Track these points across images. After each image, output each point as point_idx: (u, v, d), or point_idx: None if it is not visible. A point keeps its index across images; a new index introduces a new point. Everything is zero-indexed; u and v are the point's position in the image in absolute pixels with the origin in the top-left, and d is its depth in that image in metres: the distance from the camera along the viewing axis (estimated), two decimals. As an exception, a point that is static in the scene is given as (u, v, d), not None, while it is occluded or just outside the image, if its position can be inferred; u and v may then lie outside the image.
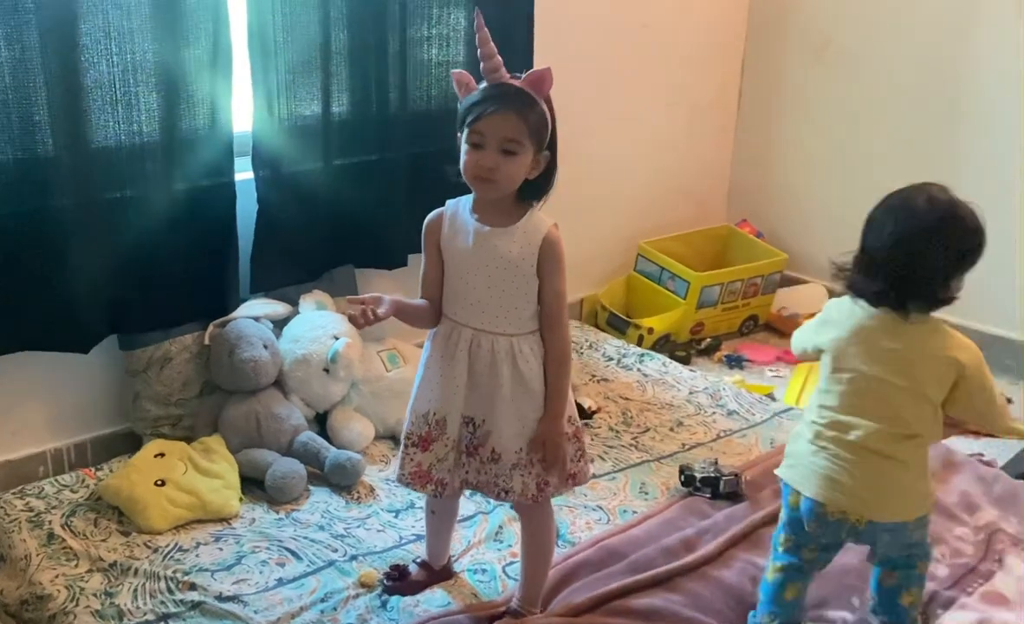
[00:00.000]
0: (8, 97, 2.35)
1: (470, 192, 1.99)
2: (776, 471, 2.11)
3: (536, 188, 1.97)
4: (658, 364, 3.43)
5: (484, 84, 1.93)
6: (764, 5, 4.08)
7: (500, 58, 1.93)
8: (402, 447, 2.07)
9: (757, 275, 3.87)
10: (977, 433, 3.00)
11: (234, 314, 2.78)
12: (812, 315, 3.85)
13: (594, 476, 2.72)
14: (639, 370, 3.39)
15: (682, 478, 2.66)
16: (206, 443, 2.66)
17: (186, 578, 2.24)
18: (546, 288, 1.96)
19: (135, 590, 2.21)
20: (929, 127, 3.65)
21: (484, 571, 2.33)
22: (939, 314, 1.94)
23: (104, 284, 2.59)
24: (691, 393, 3.25)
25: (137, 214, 2.59)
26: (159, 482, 2.49)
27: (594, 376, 3.34)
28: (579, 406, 3.00)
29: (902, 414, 1.92)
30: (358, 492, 2.63)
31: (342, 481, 2.63)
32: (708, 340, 3.78)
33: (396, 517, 2.54)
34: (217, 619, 2.13)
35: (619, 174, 3.89)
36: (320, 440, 2.72)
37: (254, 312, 2.81)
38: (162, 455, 2.58)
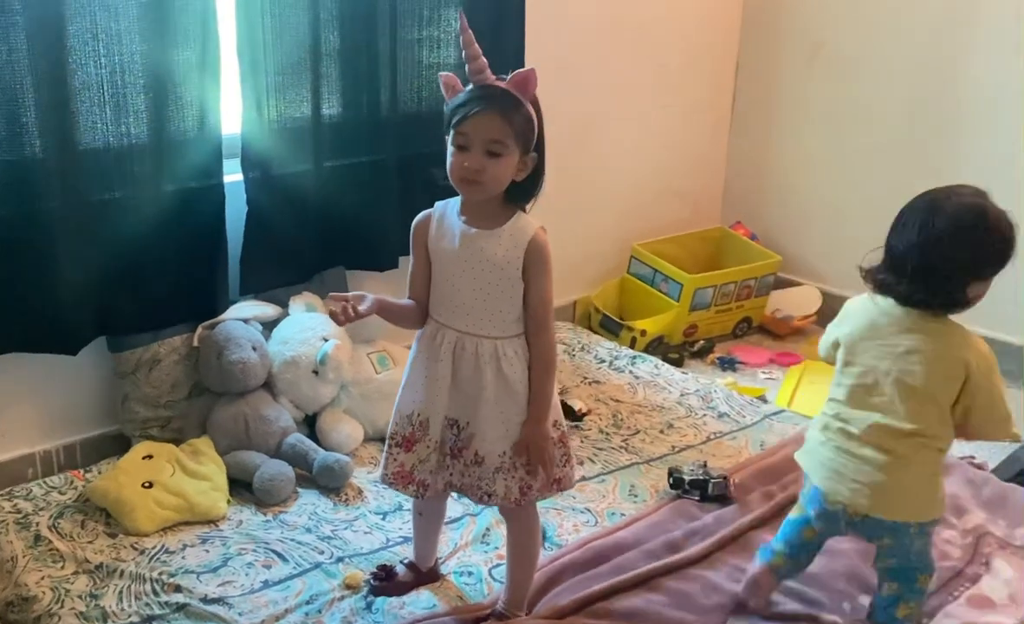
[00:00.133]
0: (-5, 99, 2.35)
1: (458, 194, 1.99)
2: (795, 454, 2.18)
3: (524, 190, 1.97)
4: (650, 366, 3.42)
5: (470, 86, 1.93)
6: (758, 6, 4.08)
7: (485, 59, 1.93)
8: (386, 447, 2.08)
9: (751, 277, 3.87)
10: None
11: (223, 316, 2.78)
12: (806, 317, 3.94)
13: (583, 478, 2.73)
14: (631, 372, 3.38)
15: (671, 481, 2.66)
16: (194, 445, 2.65)
17: (171, 580, 2.24)
18: (532, 291, 1.96)
19: (120, 592, 2.21)
20: (924, 129, 3.65)
21: (470, 573, 2.33)
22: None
23: (92, 286, 2.60)
24: (682, 395, 3.25)
25: (126, 216, 2.59)
26: (147, 484, 2.48)
27: (585, 378, 3.34)
28: (569, 408, 3.04)
29: (906, 411, 1.95)
30: (346, 494, 2.62)
31: (330, 483, 2.63)
32: (701, 342, 3.78)
33: (384, 519, 2.53)
34: (201, 621, 2.13)
35: (612, 176, 3.89)
36: (308, 442, 2.71)
37: (243, 314, 2.80)
38: (150, 457, 2.58)
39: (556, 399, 2.04)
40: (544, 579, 2.25)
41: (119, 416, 2.75)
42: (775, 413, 3.16)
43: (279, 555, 2.36)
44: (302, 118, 2.86)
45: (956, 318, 1.98)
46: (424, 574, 2.29)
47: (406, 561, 2.31)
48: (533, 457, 1.98)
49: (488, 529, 2.46)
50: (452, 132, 1.90)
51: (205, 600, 2.18)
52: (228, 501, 2.54)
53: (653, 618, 2.15)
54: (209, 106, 2.65)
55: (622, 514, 2.57)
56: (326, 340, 2.78)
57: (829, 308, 3.91)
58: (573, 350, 3.52)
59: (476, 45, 1.92)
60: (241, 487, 2.61)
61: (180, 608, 2.16)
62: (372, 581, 2.25)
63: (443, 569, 2.33)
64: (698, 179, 4.22)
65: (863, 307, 2.04)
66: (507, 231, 1.94)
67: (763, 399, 3.34)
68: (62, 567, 2.28)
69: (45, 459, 2.71)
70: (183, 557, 2.34)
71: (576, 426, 3.01)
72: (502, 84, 1.91)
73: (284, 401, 2.79)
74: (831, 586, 2.30)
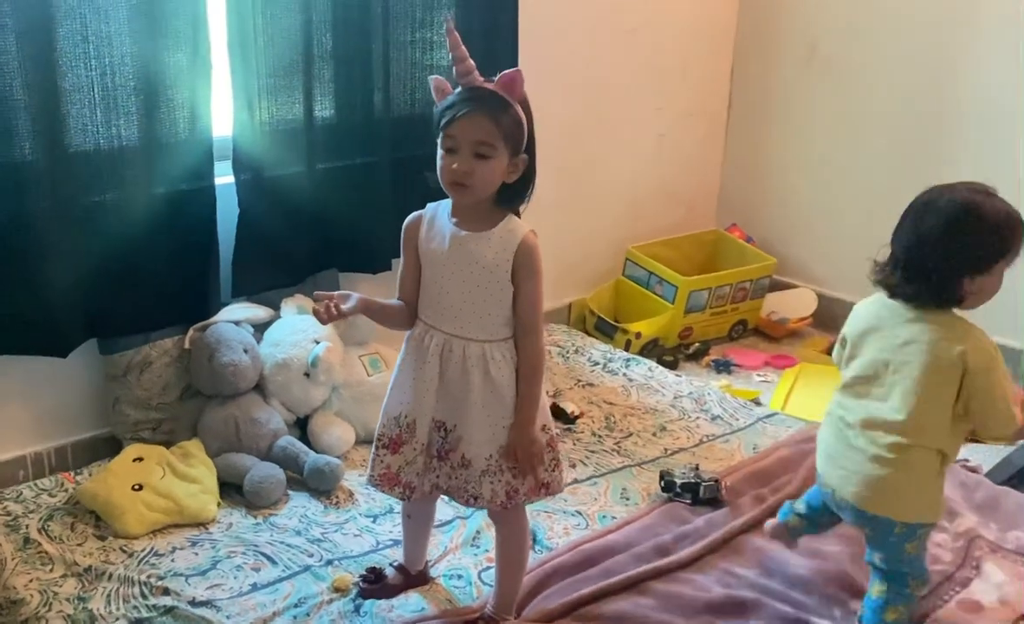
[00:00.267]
0: (-15, 101, 2.35)
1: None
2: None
3: (515, 192, 1.96)
4: (644, 369, 3.42)
5: (458, 89, 1.92)
6: (753, 9, 4.07)
7: (472, 62, 1.92)
8: (373, 448, 2.07)
9: (746, 280, 3.86)
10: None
11: (215, 318, 2.77)
12: (801, 320, 3.93)
13: (575, 481, 2.72)
14: (624, 375, 3.37)
15: (662, 484, 2.65)
16: (185, 448, 2.65)
17: (160, 583, 2.24)
18: (521, 295, 1.95)
19: (108, 595, 2.20)
20: (919, 132, 3.64)
21: (460, 576, 2.33)
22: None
23: (83, 288, 2.59)
24: (676, 398, 3.24)
25: (116, 218, 2.59)
26: (136, 487, 2.48)
27: (579, 381, 3.33)
28: (562, 411, 3.03)
29: (901, 403, 1.96)
30: (337, 497, 2.62)
31: (321, 486, 2.62)
32: (696, 345, 3.77)
33: (374, 522, 2.53)
34: (189, 624, 2.13)
35: (608, 178, 3.89)
36: (299, 444, 2.71)
37: (235, 316, 2.80)
38: (140, 459, 2.58)
39: (545, 403, 2.04)
40: (533, 582, 2.24)
41: (110, 418, 2.75)
42: (768, 416, 3.15)
43: (268, 558, 2.35)
44: (294, 120, 2.86)
45: (972, 315, 1.99)
46: (413, 577, 2.28)
47: (395, 564, 2.30)
48: (521, 461, 1.98)
49: (478, 532, 2.46)
50: (441, 135, 1.90)
51: (193, 603, 2.18)
52: (218, 504, 2.54)
53: (641, 622, 2.15)
54: (200, 108, 2.65)
55: (613, 517, 2.56)
56: (317, 342, 2.78)
57: (825, 311, 3.92)
58: (567, 352, 3.52)
59: (463, 47, 1.92)
60: (232, 489, 2.60)
61: (168, 611, 2.16)
62: (361, 584, 2.25)
63: (433, 572, 2.33)
64: (693, 181, 4.22)
65: (870, 304, 2.08)
66: (497, 234, 1.93)
67: (757, 402, 3.33)
68: (51, 570, 2.28)
69: (36, 461, 2.70)
70: (172, 560, 2.33)
71: (568, 429, 3.01)
72: (489, 86, 1.90)
73: (275, 403, 2.78)
74: (821, 590, 2.29)
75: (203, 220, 2.73)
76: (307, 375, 2.77)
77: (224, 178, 2.79)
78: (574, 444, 2.93)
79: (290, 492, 2.62)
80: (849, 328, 2.10)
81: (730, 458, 2.87)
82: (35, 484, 2.60)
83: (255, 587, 2.25)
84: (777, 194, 4.13)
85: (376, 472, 2.05)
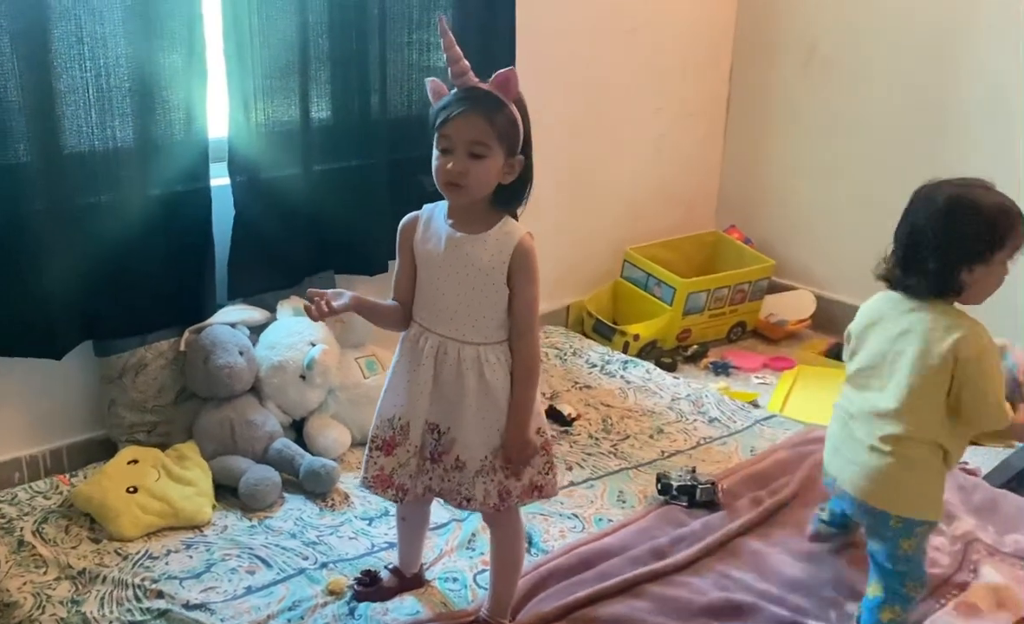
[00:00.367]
0: (-21, 102, 2.34)
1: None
2: None
3: (511, 194, 1.95)
4: (642, 371, 3.41)
5: (453, 89, 1.92)
6: (752, 11, 4.06)
7: (467, 62, 1.92)
8: (367, 450, 2.06)
9: (744, 281, 3.85)
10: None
11: (210, 320, 2.77)
12: (800, 322, 3.92)
13: (571, 484, 2.71)
14: (622, 377, 3.37)
15: (659, 486, 2.64)
16: (180, 450, 2.65)
17: (154, 586, 2.23)
18: (517, 298, 1.94)
19: (102, 598, 2.20)
20: (919, 134, 3.63)
21: (455, 579, 2.32)
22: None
23: (78, 290, 2.58)
24: (673, 400, 3.23)
25: (111, 220, 2.58)
26: (131, 489, 2.47)
27: (576, 383, 3.32)
28: (559, 413, 3.02)
29: (895, 394, 1.99)
30: (333, 499, 2.61)
31: (316, 488, 2.61)
32: (695, 347, 3.76)
33: (369, 525, 2.52)
34: (183, 627, 2.13)
35: (606, 179, 3.88)
36: (295, 447, 2.70)
37: (230, 318, 2.79)
38: (135, 462, 2.57)
39: (539, 406, 2.03)
40: (529, 585, 2.24)
41: (105, 421, 2.74)
42: (766, 418, 3.14)
43: (263, 561, 2.35)
44: (290, 122, 2.85)
45: (975, 313, 2.01)
46: (408, 580, 2.27)
47: (390, 566, 2.30)
48: (515, 464, 1.97)
49: (474, 535, 2.45)
50: (436, 135, 1.89)
51: (187, 606, 2.17)
52: (213, 506, 2.53)
53: (636, 625, 2.14)
54: (196, 110, 2.64)
55: (609, 520, 2.55)
56: (314, 345, 2.77)
57: (823, 313, 3.91)
58: (565, 355, 3.51)
59: (457, 48, 1.91)
60: (227, 492, 2.60)
61: (162, 614, 2.15)
62: (356, 587, 2.24)
63: (428, 575, 2.32)
64: (692, 183, 4.21)
65: (874, 299, 2.11)
66: (493, 236, 1.92)
67: (755, 404, 3.32)
68: (45, 572, 2.27)
69: (32, 464, 2.69)
70: (166, 563, 2.33)
71: (565, 431, 3.00)
72: (484, 86, 1.90)
73: (271, 406, 2.78)
74: (818, 593, 2.29)
75: (199, 222, 2.72)
76: (303, 377, 2.77)
77: (220, 180, 2.78)
78: (571, 446, 2.92)
79: (286, 494, 2.61)
80: (854, 323, 2.15)
81: (727, 460, 2.86)
82: (30, 486, 2.60)
83: (249, 590, 2.24)
84: (776, 195, 4.12)
85: (369, 474, 2.05)
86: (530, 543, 2.41)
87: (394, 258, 2.07)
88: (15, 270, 2.47)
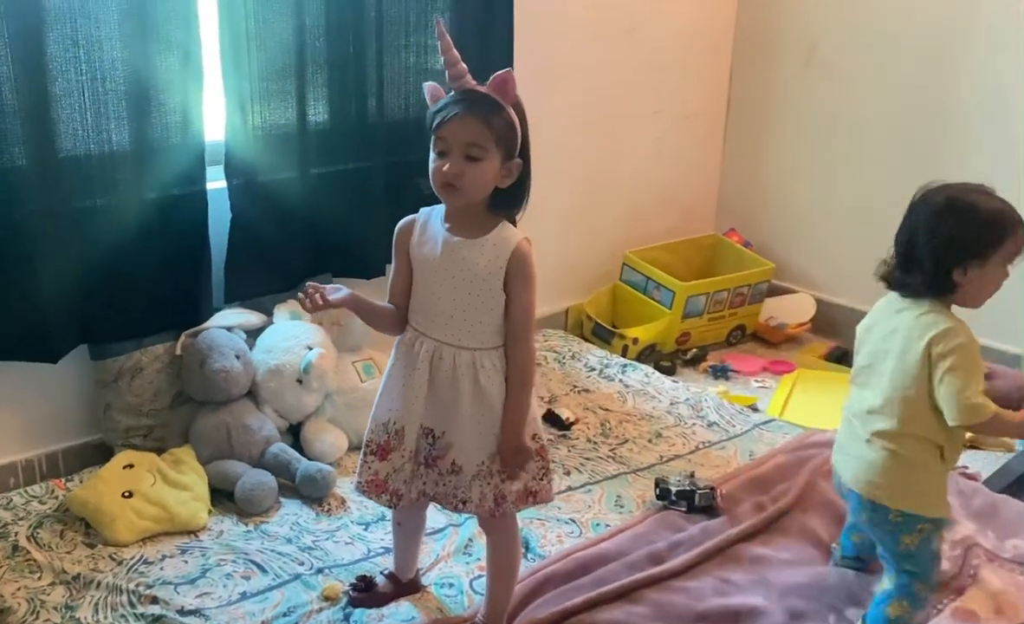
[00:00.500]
0: (-26, 106, 2.33)
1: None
2: None
3: (509, 198, 1.94)
4: (640, 375, 3.39)
5: (451, 92, 1.91)
6: (752, 13, 4.05)
7: (464, 65, 1.91)
8: (361, 454, 2.05)
9: (744, 285, 3.83)
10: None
11: (207, 324, 2.76)
12: (800, 325, 3.91)
13: (569, 488, 2.70)
14: (621, 381, 3.35)
15: (657, 491, 2.63)
16: (176, 454, 2.64)
17: (148, 591, 2.22)
18: (513, 303, 1.92)
19: (96, 603, 2.19)
20: (919, 136, 3.62)
21: (451, 585, 2.31)
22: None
23: (74, 294, 2.57)
24: (672, 404, 3.22)
25: (107, 223, 2.57)
26: (126, 494, 2.46)
27: (575, 386, 3.31)
28: (557, 417, 3.01)
29: (879, 391, 2.04)
30: (329, 504, 2.60)
31: (313, 493, 2.60)
32: (694, 350, 3.75)
33: (366, 529, 2.51)
34: (177, 633, 2.11)
35: (605, 182, 3.87)
36: (291, 451, 2.69)
37: (227, 322, 2.78)
38: (131, 466, 2.56)
39: (535, 412, 2.01)
40: (526, 591, 2.22)
41: (101, 425, 2.73)
42: (765, 422, 3.13)
43: (258, 566, 2.33)
44: (287, 125, 2.84)
45: (973, 318, 2.03)
46: (404, 585, 2.26)
47: (386, 572, 2.29)
48: (511, 470, 1.96)
49: (470, 540, 2.43)
50: (432, 138, 1.88)
51: (182, 612, 2.16)
52: (209, 511, 2.52)
53: (633, 631, 2.13)
54: (192, 113, 2.63)
55: (607, 525, 2.54)
56: (311, 349, 2.76)
57: (823, 316, 3.90)
58: (563, 358, 3.50)
59: (454, 51, 1.90)
60: (223, 497, 2.59)
61: (156, 620, 2.14)
62: (351, 592, 2.23)
63: (424, 580, 2.31)
64: (691, 185, 4.20)
65: (880, 301, 2.13)
66: (491, 241, 1.91)
67: (754, 408, 3.30)
68: (39, 578, 2.26)
69: (27, 468, 2.68)
70: (161, 568, 2.32)
71: (564, 435, 2.99)
72: (482, 88, 1.89)
73: (268, 410, 2.77)
74: (817, 598, 2.27)
75: (195, 225, 2.71)
76: (300, 381, 2.75)
77: (216, 183, 2.77)
78: (569, 450, 2.91)
79: (282, 499, 2.60)
80: (861, 323, 2.17)
81: (726, 465, 2.85)
82: (25, 491, 2.59)
83: (244, 596, 2.23)
84: (776, 198, 4.11)
85: (364, 478, 2.03)
86: (527, 548, 2.40)
87: (391, 261, 2.05)
88: (10, 274, 2.46)
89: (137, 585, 2.24)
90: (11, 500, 2.54)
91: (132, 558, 2.34)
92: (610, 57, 3.73)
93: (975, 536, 2.47)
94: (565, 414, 3.05)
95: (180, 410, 2.75)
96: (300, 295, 1.91)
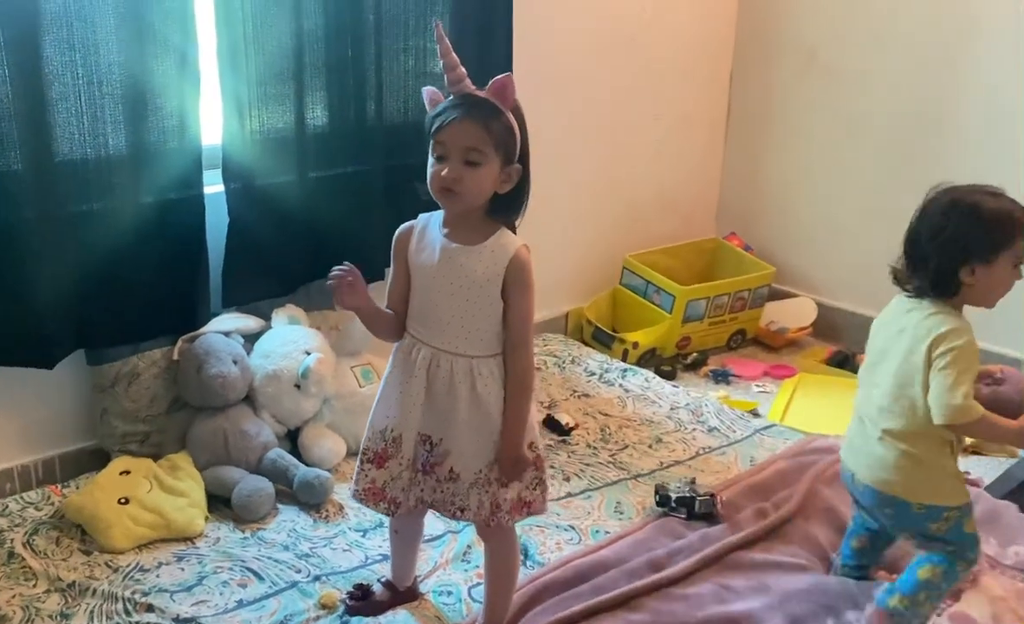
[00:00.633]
0: (-31, 110, 2.32)
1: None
2: None
3: (508, 203, 1.92)
4: (640, 380, 3.38)
5: (450, 96, 1.89)
6: (752, 17, 4.04)
7: (463, 69, 1.89)
8: (358, 462, 2.04)
9: (744, 289, 3.82)
10: (966, 449, 2.97)
11: (204, 329, 2.74)
12: (801, 329, 3.90)
13: (568, 494, 2.69)
14: (621, 385, 3.34)
15: (657, 498, 2.61)
16: (173, 460, 2.62)
17: (144, 599, 2.20)
18: (511, 311, 1.90)
19: (91, 611, 2.17)
20: (920, 140, 3.60)
21: (450, 593, 2.29)
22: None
23: (71, 299, 2.55)
24: (672, 409, 3.20)
25: (104, 228, 2.55)
26: (123, 500, 2.45)
27: (575, 391, 3.29)
28: (557, 422, 2.99)
29: (885, 390, 2.06)
30: (327, 510, 2.58)
31: (310, 499, 2.59)
32: (695, 355, 3.73)
33: (364, 536, 2.49)
34: (172, 641, 2.10)
35: (605, 186, 3.86)
36: (289, 457, 2.67)
37: (224, 327, 2.77)
38: (127, 472, 2.55)
39: (533, 420, 1.99)
40: (525, 598, 2.20)
41: (98, 430, 2.72)
42: (766, 428, 3.11)
43: (255, 573, 2.32)
44: (285, 128, 2.82)
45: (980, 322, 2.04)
46: (402, 593, 2.24)
47: (383, 580, 2.27)
48: (509, 479, 1.94)
49: (469, 547, 2.42)
50: (431, 142, 1.86)
51: (177, 620, 2.15)
52: (206, 518, 2.50)
53: (632, 639, 2.11)
54: (189, 116, 2.61)
55: (607, 532, 2.52)
56: (309, 353, 2.75)
57: (824, 320, 3.88)
58: (563, 362, 3.48)
59: (453, 55, 1.88)
60: (220, 503, 2.57)
61: (151, 628, 2.13)
62: (348, 601, 2.21)
63: (422, 588, 2.29)
64: (692, 190, 4.18)
65: (893, 300, 2.15)
66: (489, 248, 1.89)
67: (755, 413, 3.29)
68: (34, 585, 2.25)
69: (23, 474, 2.67)
70: (157, 575, 2.30)
71: (563, 440, 2.97)
72: (481, 93, 1.87)
73: (265, 415, 2.75)
74: (817, 601, 2.26)
75: (192, 229, 2.70)
76: (298, 386, 2.74)
77: (214, 187, 2.76)
78: (568, 456, 2.89)
79: (279, 506, 2.59)
80: (875, 320, 2.19)
81: (727, 471, 2.83)
82: (21, 497, 2.57)
83: (241, 604, 2.21)
84: (776, 202, 4.09)
85: (361, 486, 2.02)
86: (526, 555, 2.38)
87: (390, 266, 2.04)
88: (6, 278, 2.44)
89: (133, 593, 2.22)
90: (7, 506, 2.52)
91: (128, 565, 2.33)
92: (611, 61, 3.72)
93: (977, 543, 2.46)
94: (565, 419, 3.04)
95: (177, 415, 2.74)
96: (329, 283, 1.89)
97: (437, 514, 2.12)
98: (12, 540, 2.38)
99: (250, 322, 2.83)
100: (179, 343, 2.71)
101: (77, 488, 2.59)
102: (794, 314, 3.93)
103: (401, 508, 2.01)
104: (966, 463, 2.91)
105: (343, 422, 2.83)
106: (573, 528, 2.54)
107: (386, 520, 2.45)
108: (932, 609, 2.15)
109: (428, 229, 1.97)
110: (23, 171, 2.41)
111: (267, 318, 2.87)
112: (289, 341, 2.79)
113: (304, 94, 2.83)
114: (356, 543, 2.46)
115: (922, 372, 1.99)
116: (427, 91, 1.92)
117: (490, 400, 1.92)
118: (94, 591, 2.22)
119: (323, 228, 2.93)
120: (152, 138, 2.57)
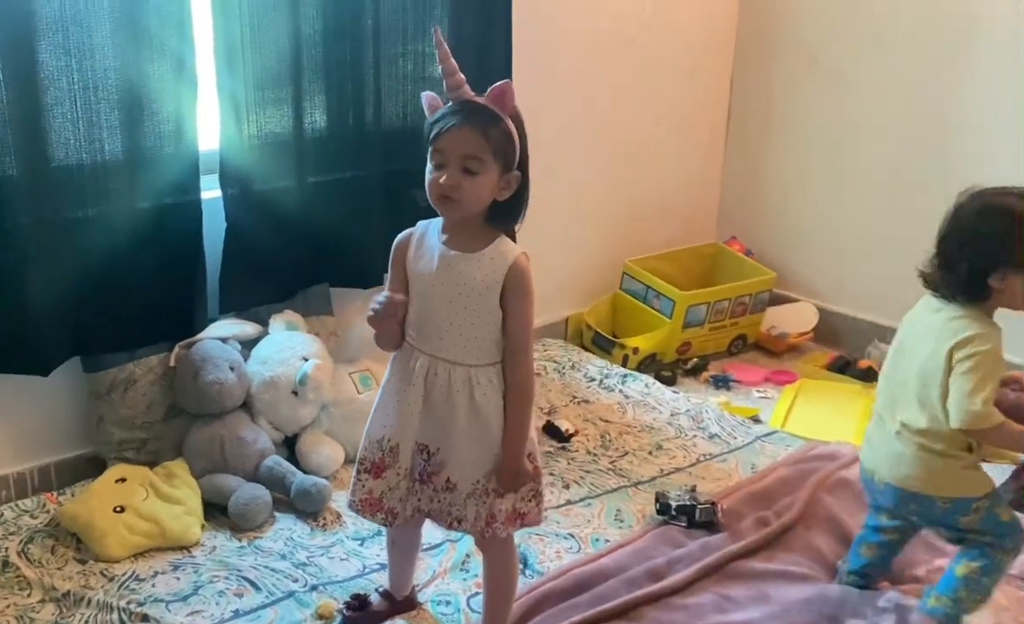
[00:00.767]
0: (-35, 116, 2.30)
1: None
2: None
3: (507, 211, 1.90)
4: (641, 385, 3.36)
5: (448, 103, 1.87)
6: (752, 20, 4.02)
7: (462, 75, 1.88)
8: (355, 472, 2.02)
9: (745, 294, 3.80)
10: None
11: (201, 335, 2.72)
12: (802, 334, 3.88)
13: (568, 502, 2.67)
14: (621, 391, 3.32)
15: (657, 506, 2.59)
16: (169, 468, 2.60)
17: (139, 609, 2.18)
18: (510, 319, 1.88)
19: (86, 621, 2.15)
20: (921, 144, 3.58)
21: (448, 603, 2.27)
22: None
23: (66, 305, 2.54)
24: (672, 415, 3.18)
25: (100, 233, 2.54)
26: (118, 508, 2.43)
27: (575, 397, 3.27)
28: (557, 429, 2.97)
29: (911, 386, 2.06)
30: (324, 519, 2.56)
31: (308, 507, 2.57)
32: (695, 360, 3.71)
33: (361, 545, 2.47)
34: (167, 653, 2.08)
35: (605, 191, 3.84)
36: (286, 465, 2.65)
37: (221, 333, 2.75)
38: (123, 480, 2.52)
39: (532, 429, 1.97)
40: (524, 608, 2.18)
41: (94, 437, 2.70)
42: (767, 434, 3.09)
43: (252, 583, 2.30)
44: (283, 133, 2.81)
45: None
46: (399, 603, 2.22)
47: (381, 589, 2.25)
48: (508, 491, 1.92)
49: (468, 556, 2.39)
50: (429, 149, 1.85)
51: (173, 630, 2.13)
52: (202, 526, 2.48)
53: (632, 649, 2.09)
54: (186, 121, 2.60)
55: (606, 540, 2.50)
56: (306, 360, 2.73)
57: (826, 325, 3.86)
58: (563, 368, 3.46)
59: (452, 60, 1.86)
60: (216, 511, 2.55)
61: (147, 638, 2.11)
62: (345, 611, 2.19)
63: (420, 597, 2.27)
64: (692, 194, 4.16)
65: (922, 299, 2.15)
66: (488, 255, 1.87)
67: (756, 419, 3.27)
68: (29, 595, 2.23)
69: (19, 481, 2.65)
70: (153, 585, 2.28)
71: (563, 447, 2.95)
72: (480, 99, 1.85)
73: (263, 422, 2.73)
74: (818, 610, 2.24)
75: (189, 235, 2.68)
76: (295, 393, 2.72)
77: (211, 192, 2.74)
78: (568, 463, 2.87)
79: (276, 514, 2.57)
80: (904, 317, 2.18)
81: (727, 478, 2.81)
82: (17, 505, 2.55)
83: (237, 614, 2.19)
84: (777, 207, 4.07)
85: (358, 497, 2.00)
86: (525, 564, 2.36)
87: (388, 272, 2.02)
88: (1, 285, 2.43)
89: (128, 602, 2.20)
90: (2, 514, 2.50)
91: (123, 574, 2.31)
92: (611, 65, 3.70)
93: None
94: (564, 426, 3.02)
95: (174, 423, 2.72)
96: (370, 313, 1.89)
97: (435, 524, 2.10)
98: (7, 549, 2.36)
99: (247, 328, 2.81)
100: (176, 349, 2.69)
101: (73, 496, 2.57)
102: (795, 319, 3.90)
103: (398, 518, 1.99)
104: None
105: (341, 429, 2.81)
106: (573, 536, 2.52)
107: (383, 529, 2.43)
108: (978, 603, 2.14)
109: (427, 236, 1.95)
110: (18, 176, 2.39)
111: (264, 324, 2.85)
112: (287, 347, 2.77)
113: (302, 98, 2.82)
114: (354, 552, 2.44)
115: (942, 374, 1.99)
116: (426, 96, 1.90)
117: (489, 410, 1.90)
118: (89, 601, 2.20)
119: (321, 233, 2.92)
120: (148, 143, 2.56)
